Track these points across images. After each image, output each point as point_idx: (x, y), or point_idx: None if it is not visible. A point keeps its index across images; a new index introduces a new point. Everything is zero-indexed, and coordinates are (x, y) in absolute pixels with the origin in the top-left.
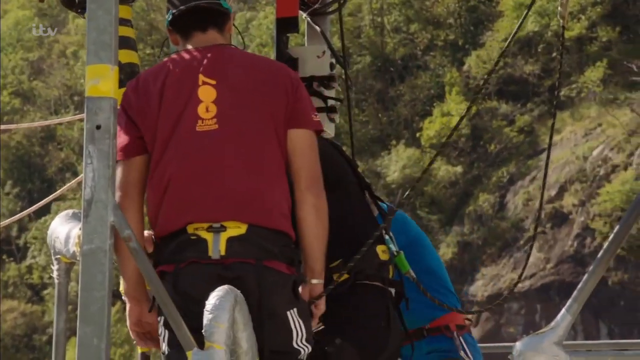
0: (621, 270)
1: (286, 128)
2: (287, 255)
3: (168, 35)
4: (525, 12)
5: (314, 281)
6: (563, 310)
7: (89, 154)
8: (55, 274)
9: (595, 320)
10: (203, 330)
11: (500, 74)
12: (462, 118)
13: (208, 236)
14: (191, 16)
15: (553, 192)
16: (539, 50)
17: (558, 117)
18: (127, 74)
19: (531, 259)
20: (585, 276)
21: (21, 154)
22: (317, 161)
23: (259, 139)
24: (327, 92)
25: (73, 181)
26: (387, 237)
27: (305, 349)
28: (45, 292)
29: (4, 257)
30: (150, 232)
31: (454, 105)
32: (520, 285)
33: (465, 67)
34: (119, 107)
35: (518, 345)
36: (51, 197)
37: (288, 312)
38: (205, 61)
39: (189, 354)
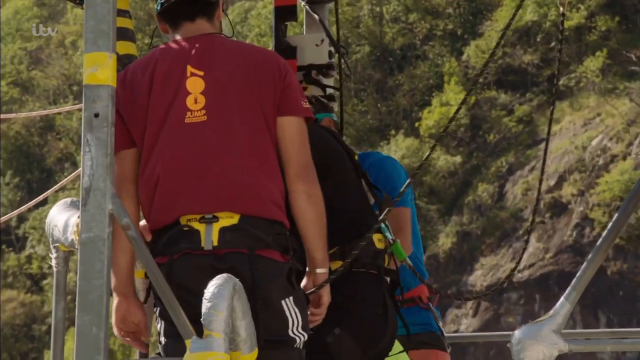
0: (620, 260)
1: (275, 116)
2: (280, 244)
3: (157, 24)
4: (521, 1)
5: (318, 270)
6: (562, 298)
7: (87, 142)
8: (53, 262)
9: (594, 310)
10: (202, 319)
11: (499, 64)
12: (458, 109)
13: (200, 227)
14: (180, 5)
15: (552, 182)
16: (538, 40)
17: (557, 107)
18: (125, 65)
19: (530, 249)
20: (584, 264)
21: (20, 143)
22: (308, 148)
23: (249, 129)
24: (325, 81)
25: (74, 173)
26: (383, 225)
27: (301, 337)
28: (44, 282)
29: (4, 247)
30: None
31: (453, 95)
32: (519, 275)
33: (464, 57)
34: None
35: (517, 333)
36: (51, 190)
37: (283, 301)
38: (193, 52)
39: (187, 342)
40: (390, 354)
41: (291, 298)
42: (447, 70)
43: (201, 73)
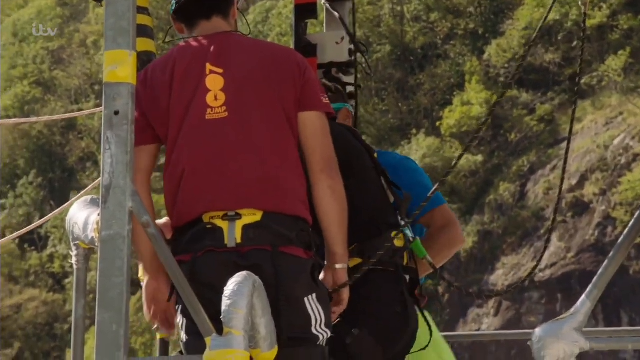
0: None
1: (296, 112)
2: (304, 240)
3: (172, 24)
4: (552, 2)
5: (337, 266)
6: (583, 296)
7: (107, 139)
8: (74, 260)
9: (616, 309)
10: (222, 316)
11: (522, 64)
12: (488, 114)
13: (224, 224)
14: (195, 4)
15: (574, 181)
16: (560, 38)
17: (579, 106)
18: (143, 62)
19: (552, 248)
20: (605, 262)
21: (42, 143)
22: (330, 143)
23: (270, 126)
24: (345, 79)
25: (96, 181)
26: (402, 223)
27: (324, 334)
28: (66, 280)
29: (26, 246)
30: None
31: (474, 94)
32: (541, 274)
33: (485, 56)
34: None
35: (538, 331)
36: (76, 197)
37: (306, 298)
38: (211, 49)
39: (207, 339)
40: (412, 350)
41: (314, 295)
42: (469, 69)
43: (220, 70)
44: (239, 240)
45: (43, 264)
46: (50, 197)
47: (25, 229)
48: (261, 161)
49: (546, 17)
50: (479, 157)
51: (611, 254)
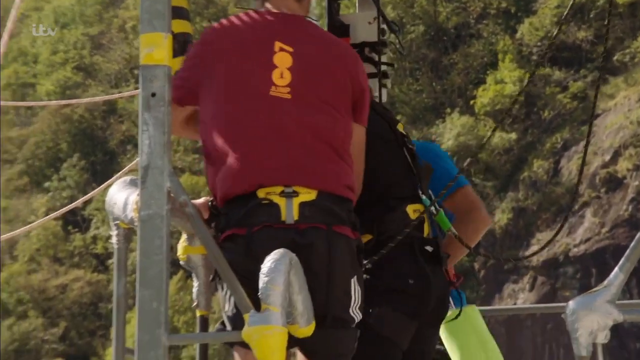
0: None
1: (349, 106)
2: (351, 221)
3: None
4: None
5: None
6: (616, 269)
7: (144, 121)
8: (114, 240)
9: None
10: (259, 293)
11: (554, 43)
12: (519, 93)
13: (281, 201)
14: None
15: (607, 157)
16: (592, 16)
17: (612, 83)
18: (180, 43)
19: (586, 224)
20: (638, 235)
21: (84, 127)
22: (363, 157)
23: (328, 111)
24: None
25: (133, 162)
26: (423, 197)
27: (358, 316)
28: (109, 261)
29: (70, 228)
30: (207, 198)
31: (507, 73)
32: (575, 249)
33: (518, 35)
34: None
35: (571, 304)
36: (115, 177)
37: (352, 280)
38: (284, 27)
39: (245, 316)
40: (445, 320)
41: (356, 277)
42: (502, 48)
43: (290, 49)
44: (296, 217)
45: (87, 245)
46: (93, 179)
47: (66, 207)
48: (319, 143)
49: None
50: (513, 135)
51: None
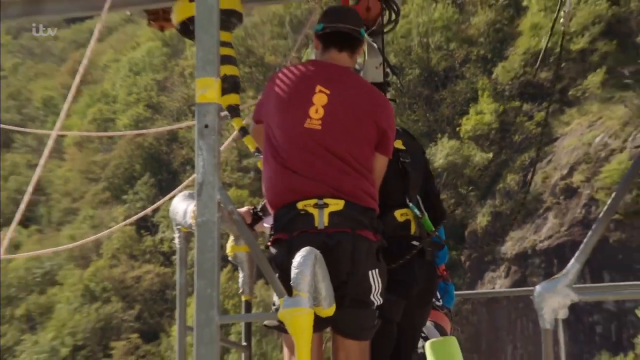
0: (619, 231)
1: (374, 140)
2: (373, 226)
3: (313, 39)
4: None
5: None
6: (572, 260)
7: (199, 147)
8: (176, 241)
9: (599, 272)
10: (291, 282)
11: (522, 81)
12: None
13: (314, 211)
14: (334, 35)
15: (565, 171)
16: (551, 60)
17: (568, 113)
18: (230, 83)
19: (549, 224)
20: (589, 233)
21: (152, 152)
22: (381, 180)
23: (354, 140)
24: None
25: (190, 178)
26: (411, 204)
27: (378, 301)
28: (173, 257)
29: (142, 231)
30: (249, 207)
31: (486, 106)
32: (541, 244)
33: (493, 76)
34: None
35: (538, 288)
36: (176, 190)
37: (370, 272)
38: (325, 74)
39: (280, 300)
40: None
41: (377, 270)
42: (481, 86)
43: (327, 92)
44: (326, 224)
45: (155, 245)
46: (159, 193)
47: (138, 215)
48: (344, 165)
49: (546, 46)
50: (490, 155)
51: (594, 227)
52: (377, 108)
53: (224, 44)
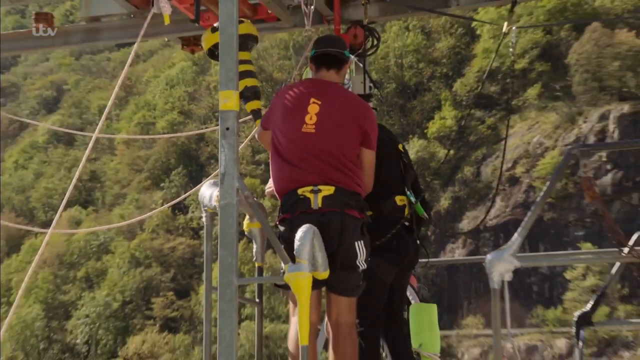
0: (552, 212)
1: (360, 138)
2: (359, 206)
3: (308, 63)
4: (492, 56)
5: None
6: (515, 234)
7: (222, 145)
8: (204, 219)
9: (536, 243)
10: (294, 251)
11: (476, 93)
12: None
13: (311, 196)
14: (323, 58)
15: (509, 164)
16: (499, 77)
17: (512, 118)
18: (252, 92)
19: (497, 206)
20: (529, 214)
21: (185, 148)
22: (372, 174)
23: (342, 139)
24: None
25: (215, 171)
26: (408, 192)
27: (362, 266)
28: (201, 232)
29: (176, 212)
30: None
31: (447, 112)
32: (491, 222)
33: (454, 89)
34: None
35: (488, 256)
36: (204, 182)
37: (356, 242)
38: (318, 89)
39: (286, 266)
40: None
41: (361, 241)
42: (444, 97)
43: (319, 102)
44: (320, 205)
45: (187, 222)
46: (190, 181)
47: (174, 200)
48: (334, 160)
49: (490, 65)
50: (452, 151)
51: (532, 208)
52: (361, 114)
53: (246, 61)
